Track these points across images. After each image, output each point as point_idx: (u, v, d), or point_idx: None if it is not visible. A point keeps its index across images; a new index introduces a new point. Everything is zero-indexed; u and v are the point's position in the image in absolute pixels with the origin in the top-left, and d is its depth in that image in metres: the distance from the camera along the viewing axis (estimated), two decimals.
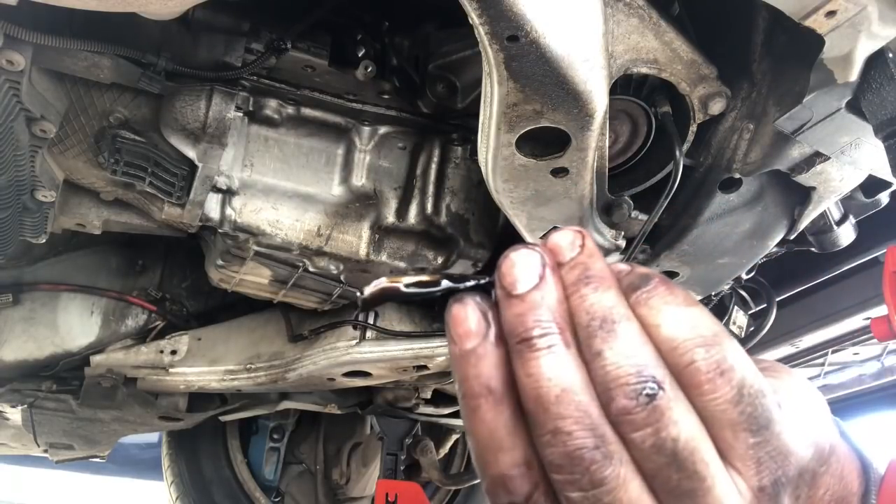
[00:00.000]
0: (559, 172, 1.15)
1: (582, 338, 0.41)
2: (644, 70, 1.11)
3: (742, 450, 0.41)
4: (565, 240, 0.44)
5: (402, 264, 1.62)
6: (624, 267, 0.45)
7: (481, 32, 0.91)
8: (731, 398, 0.41)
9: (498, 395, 0.42)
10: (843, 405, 3.05)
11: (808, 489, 0.45)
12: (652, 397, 0.39)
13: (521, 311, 0.42)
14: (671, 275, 1.54)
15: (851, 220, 1.55)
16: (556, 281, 0.43)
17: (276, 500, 2.96)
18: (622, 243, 1.42)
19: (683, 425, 0.40)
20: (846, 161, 1.20)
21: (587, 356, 0.41)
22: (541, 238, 0.46)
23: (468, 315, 0.43)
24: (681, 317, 0.42)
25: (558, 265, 0.43)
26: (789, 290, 2.14)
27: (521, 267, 0.43)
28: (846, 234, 1.55)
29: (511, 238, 1.45)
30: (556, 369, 0.40)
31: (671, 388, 0.40)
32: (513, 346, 0.42)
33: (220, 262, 1.63)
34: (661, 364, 0.41)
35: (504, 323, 0.42)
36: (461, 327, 0.42)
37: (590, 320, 0.41)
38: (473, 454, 0.43)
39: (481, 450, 0.42)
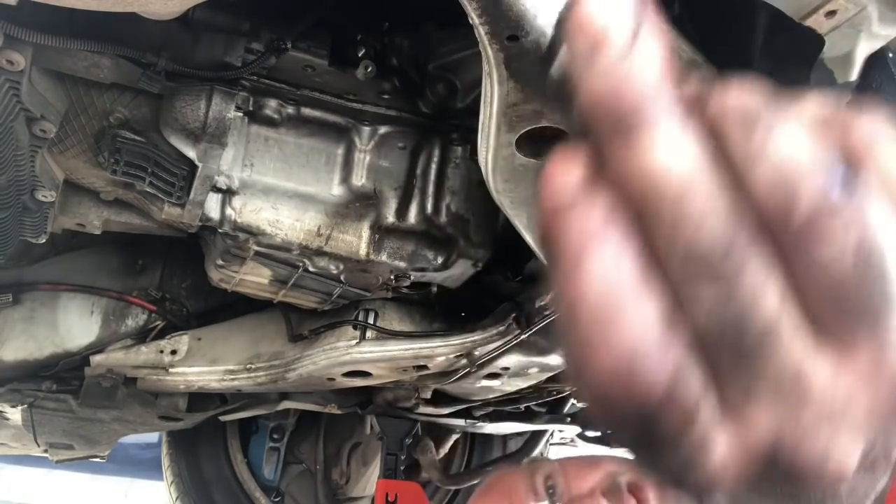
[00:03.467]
0: None
1: (735, 134, 0.28)
2: None
3: None
4: None
5: (402, 264, 1.63)
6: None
7: (481, 32, 0.91)
8: None
9: (617, 235, 0.29)
10: None
11: None
12: (851, 185, 0.27)
13: (617, 74, 0.28)
14: None
15: None
16: (659, 27, 0.29)
17: (276, 499, 2.96)
18: None
19: (889, 223, 0.28)
20: None
21: (744, 150, 0.28)
22: None
23: (571, 162, 0.30)
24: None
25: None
26: None
27: (608, 9, 0.28)
28: None
29: (511, 238, 1.45)
30: (676, 150, 0.28)
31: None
32: (605, 128, 0.29)
33: (220, 261, 1.63)
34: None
35: (589, 101, 0.29)
36: (558, 176, 0.30)
37: (755, 110, 0.29)
38: (572, 345, 0.29)
39: (592, 320, 0.28)
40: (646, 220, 0.29)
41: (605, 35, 0.28)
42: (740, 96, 0.29)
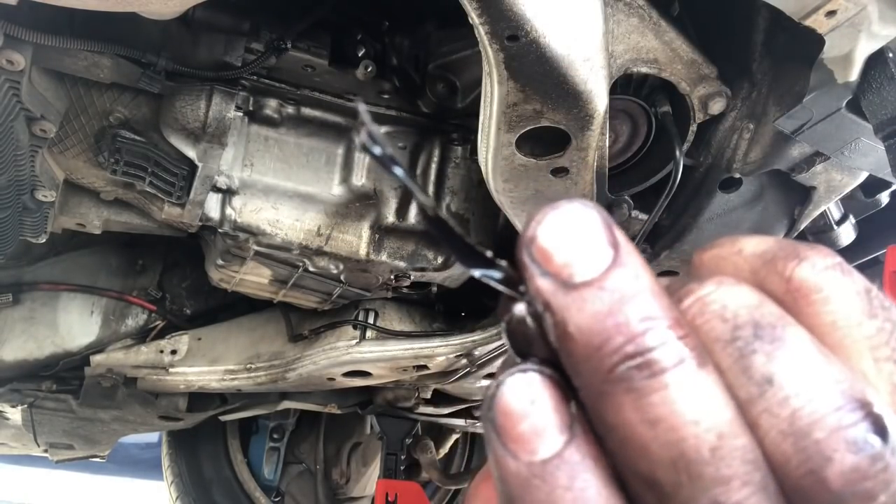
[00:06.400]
0: (559, 172, 1.15)
1: (725, 362, 0.24)
2: (644, 70, 1.11)
3: (887, 395, 0.25)
4: None
5: (402, 264, 1.63)
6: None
7: (481, 32, 0.91)
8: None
9: None
10: None
11: None
12: (881, 437, 0.23)
13: (605, 309, 0.23)
14: (671, 274, 1.54)
15: (851, 220, 1.55)
16: (639, 254, 0.25)
17: (276, 499, 2.96)
18: None
19: None
20: (846, 161, 1.20)
21: (745, 392, 0.24)
22: None
23: (539, 402, 0.24)
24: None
25: None
26: None
27: (575, 234, 0.24)
28: (846, 234, 1.55)
29: (511, 238, 1.45)
30: (701, 401, 0.23)
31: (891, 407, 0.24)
32: (601, 380, 0.23)
33: (220, 261, 1.63)
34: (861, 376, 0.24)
35: (568, 342, 0.24)
36: (525, 422, 0.24)
37: (733, 329, 0.24)
38: None
39: None
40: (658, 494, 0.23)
41: (575, 263, 0.24)
42: (726, 305, 0.25)
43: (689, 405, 0.23)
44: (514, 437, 0.24)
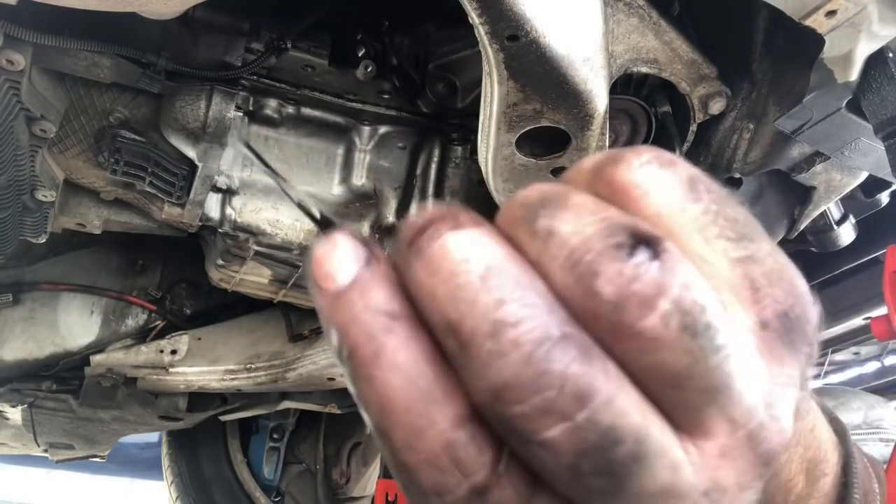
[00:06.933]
0: (559, 172, 1.15)
1: (518, 232, 0.27)
2: (644, 69, 1.11)
3: (727, 269, 0.27)
4: None
5: None
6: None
7: (481, 32, 0.91)
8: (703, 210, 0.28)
9: (405, 320, 0.26)
10: None
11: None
12: (654, 249, 0.25)
13: (416, 221, 0.28)
14: None
15: (851, 219, 1.55)
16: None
17: (276, 499, 2.96)
18: None
19: (699, 281, 0.25)
20: (846, 161, 1.20)
21: (531, 247, 0.26)
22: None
23: (339, 246, 0.28)
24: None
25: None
26: None
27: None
28: (846, 234, 1.55)
29: None
30: (469, 243, 0.26)
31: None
32: (402, 252, 0.27)
33: (220, 261, 1.63)
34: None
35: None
36: (329, 263, 0.28)
37: (525, 207, 0.27)
38: (386, 434, 0.26)
39: (399, 416, 0.26)
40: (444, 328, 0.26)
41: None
42: (519, 198, 0.28)
43: (457, 247, 0.26)
44: (321, 276, 0.27)
